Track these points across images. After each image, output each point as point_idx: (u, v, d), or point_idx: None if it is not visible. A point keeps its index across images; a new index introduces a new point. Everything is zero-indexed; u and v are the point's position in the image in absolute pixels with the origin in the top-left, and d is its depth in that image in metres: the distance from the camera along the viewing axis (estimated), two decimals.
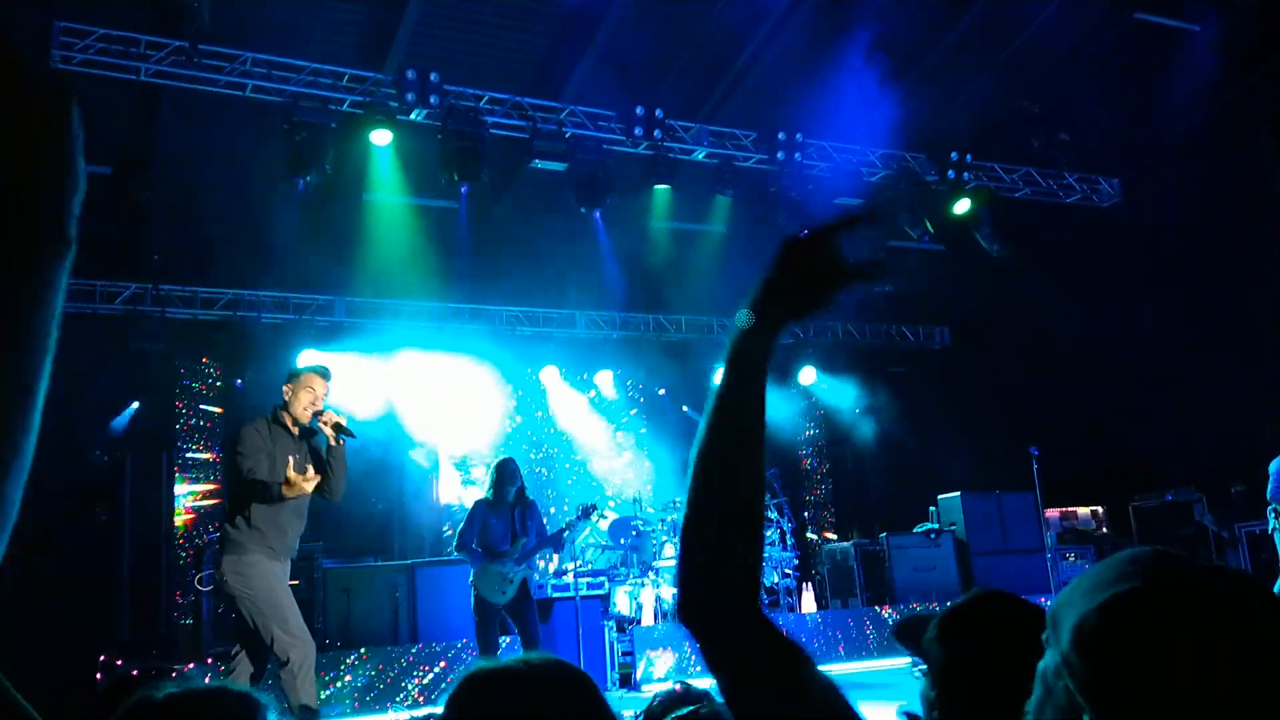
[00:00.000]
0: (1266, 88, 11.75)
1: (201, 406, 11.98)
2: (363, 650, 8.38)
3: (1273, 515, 8.31)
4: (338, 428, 5.36)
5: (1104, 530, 12.27)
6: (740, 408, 1.19)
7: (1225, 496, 11.34)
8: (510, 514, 7.34)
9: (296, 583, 8.77)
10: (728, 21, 10.62)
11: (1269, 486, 8.28)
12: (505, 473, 7.39)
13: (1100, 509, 12.35)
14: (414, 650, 8.45)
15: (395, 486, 12.31)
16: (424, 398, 12.54)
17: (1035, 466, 9.53)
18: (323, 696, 7.68)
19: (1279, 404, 11.22)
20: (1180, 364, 11.51)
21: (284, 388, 5.46)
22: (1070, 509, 12.27)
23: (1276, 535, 8.36)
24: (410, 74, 9.72)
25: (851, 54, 10.63)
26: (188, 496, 11.48)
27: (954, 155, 11.77)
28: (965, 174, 11.91)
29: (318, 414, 5.36)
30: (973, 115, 11.98)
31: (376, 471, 11.57)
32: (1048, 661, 0.93)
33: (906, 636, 1.75)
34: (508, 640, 7.82)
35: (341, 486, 5.52)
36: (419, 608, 9.40)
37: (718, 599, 1.14)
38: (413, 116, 10.06)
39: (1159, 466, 12.02)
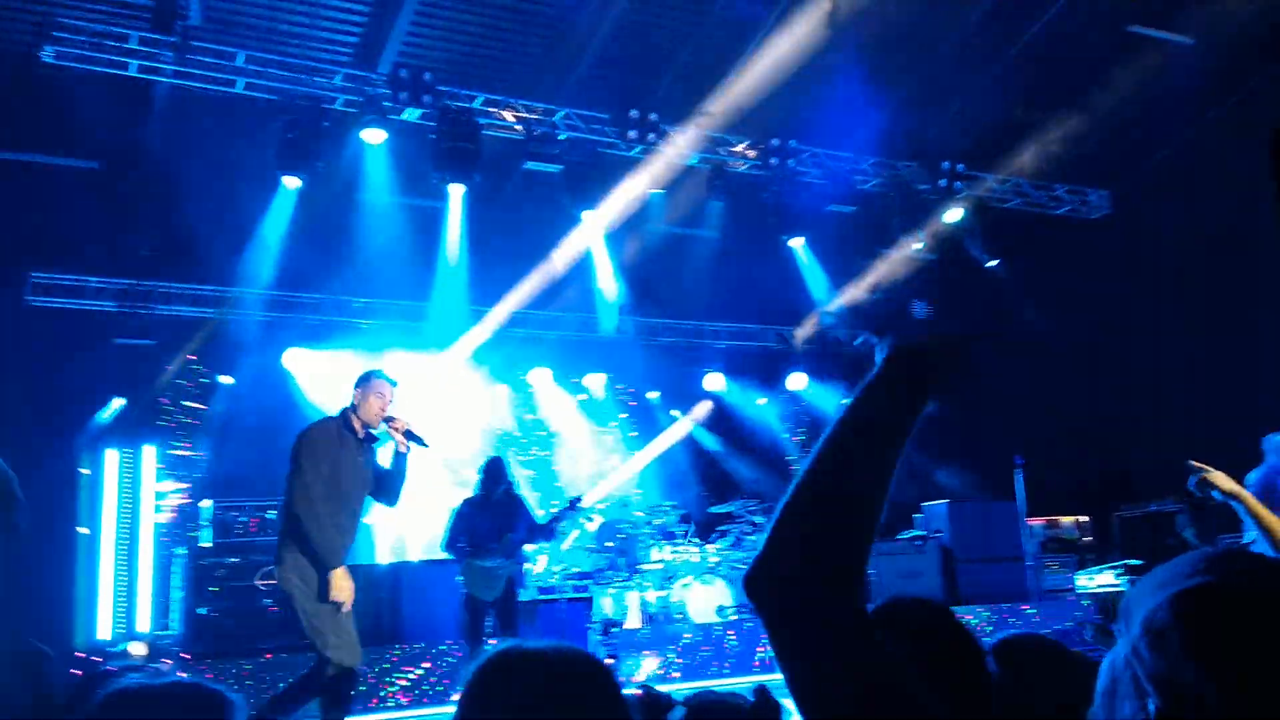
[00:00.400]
0: (1257, 102, 11.82)
1: (185, 403, 11.93)
2: None
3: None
4: (408, 434, 5.36)
5: (1088, 540, 12.31)
6: (882, 457, 1.18)
7: (1205, 508, 11.39)
8: (498, 512, 7.35)
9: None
10: (722, 28, 10.65)
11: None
12: (493, 471, 7.41)
13: (1084, 519, 12.39)
14: (396, 650, 8.42)
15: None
16: (413, 397, 12.50)
17: (1019, 476, 9.56)
18: None
19: (1263, 417, 11.27)
20: (1165, 375, 11.58)
21: (354, 391, 5.44)
22: (1054, 518, 12.30)
23: (1253, 549, 8.47)
24: (404, 74, 9.73)
25: (845, 62, 10.66)
26: (171, 495, 11.43)
27: (945, 165, 11.81)
28: (957, 183, 11.96)
29: (388, 419, 5.36)
30: (965, 125, 12.02)
31: None
32: (1117, 651, 0.94)
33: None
34: (491, 641, 7.81)
35: (401, 493, 5.60)
36: (403, 608, 9.37)
37: (823, 584, 1.10)
38: (405, 116, 10.06)
39: (1142, 477, 12.08)
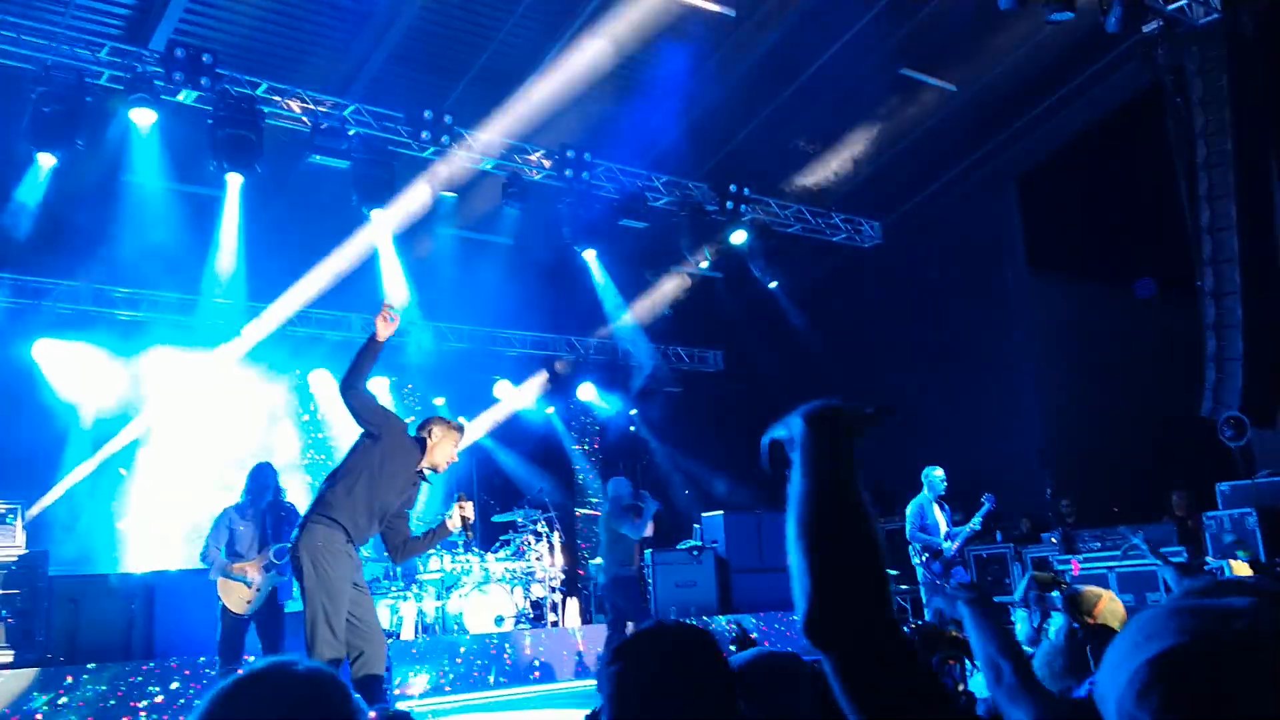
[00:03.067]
0: (1014, 146, 12.94)
1: None
2: (90, 665, 7.74)
3: (913, 552, 9.37)
4: (464, 521, 5.22)
5: None
6: (845, 503, 1.31)
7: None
8: (262, 521, 7.01)
9: (18, 592, 8.06)
10: (523, 34, 10.64)
11: (907, 527, 9.37)
12: (259, 478, 7.07)
13: None
14: (148, 666, 7.88)
15: (140, 491, 11.49)
16: (178, 395, 11.78)
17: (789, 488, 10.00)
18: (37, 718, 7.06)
19: (1010, 435, 12.33)
20: (925, 397, 12.43)
21: (432, 428, 5.16)
22: None
23: (918, 570, 9.37)
24: (180, 53, 9.18)
25: (642, 80, 10.90)
26: None
27: (733, 187, 12.25)
28: (743, 206, 12.43)
29: (457, 498, 5.27)
30: (753, 151, 12.52)
31: (117, 474, 10.78)
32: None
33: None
34: (250, 659, 7.42)
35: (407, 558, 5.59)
36: (156, 621, 8.77)
37: (851, 612, 1.21)
38: (181, 98, 9.50)
39: (908, 495, 12.91)
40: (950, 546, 9.28)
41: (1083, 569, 10.69)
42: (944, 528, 9.39)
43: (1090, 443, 11.37)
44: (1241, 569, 4.15)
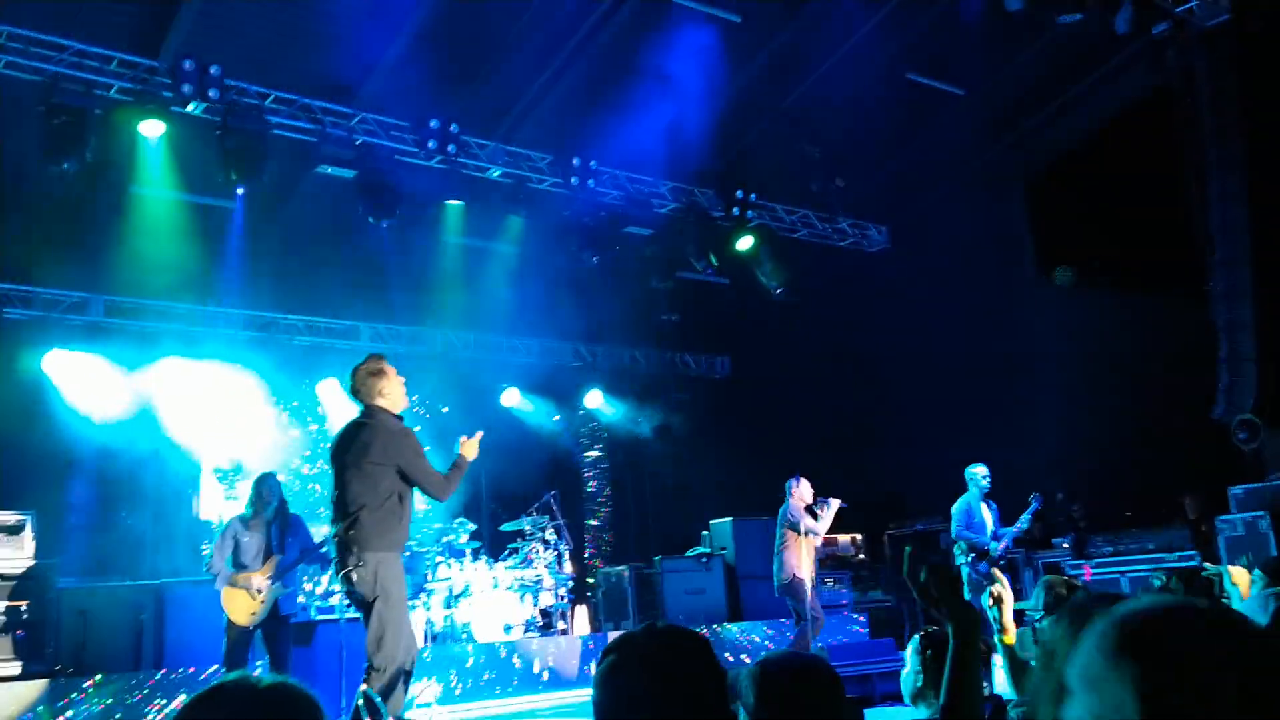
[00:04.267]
0: (1021, 149, 12.89)
1: None
2: (97, 677, 7.75)
3: (959, 551, 9.30)
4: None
5: (861, 556, 12.96)
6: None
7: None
8: (267, 532, 7.01)
9: (24, 603, 8.07)
10: (530, 42, 10.66)
11: (952, 525, 9.30)
12: (264, 489, 7.07)
13: (859, 536, 13.05)
14: (155, 677, 7.89)
15: (149, 499, 11.50)
16: (188, 404, 11.81)
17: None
18: None
19: (1019, 441, 12.25)
20: (933, 402, 12.38)
21: (379, 386, 5.24)
22: (832, 535, 12.88)
23: (963, 569, 9.29)
24: (188, 64, 9.22)
25: (647, 87, 10.90)
26: None
27: (739, 193, 12.23)
28: (749, 212, 12.40)
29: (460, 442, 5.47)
30: (758, 156, 12.51)
31: (126, 482, 10.80)
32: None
33: None
34: (260, 665, 7.42)
35: None
36: (166, 632, 8.79)
37: None
38: (189, 109, 9.53)
39: (912, 497, 12.86)
40: (997, 546, 9.19)
41: (1095, 574, 10.62)
42: (990, 526, 9.29)
43: (1102, 447, 11.29)
44: (1240, 575, 4.10)
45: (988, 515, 9.33)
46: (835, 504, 8.89)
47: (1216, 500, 9.71)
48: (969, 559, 9.25)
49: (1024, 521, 9.27)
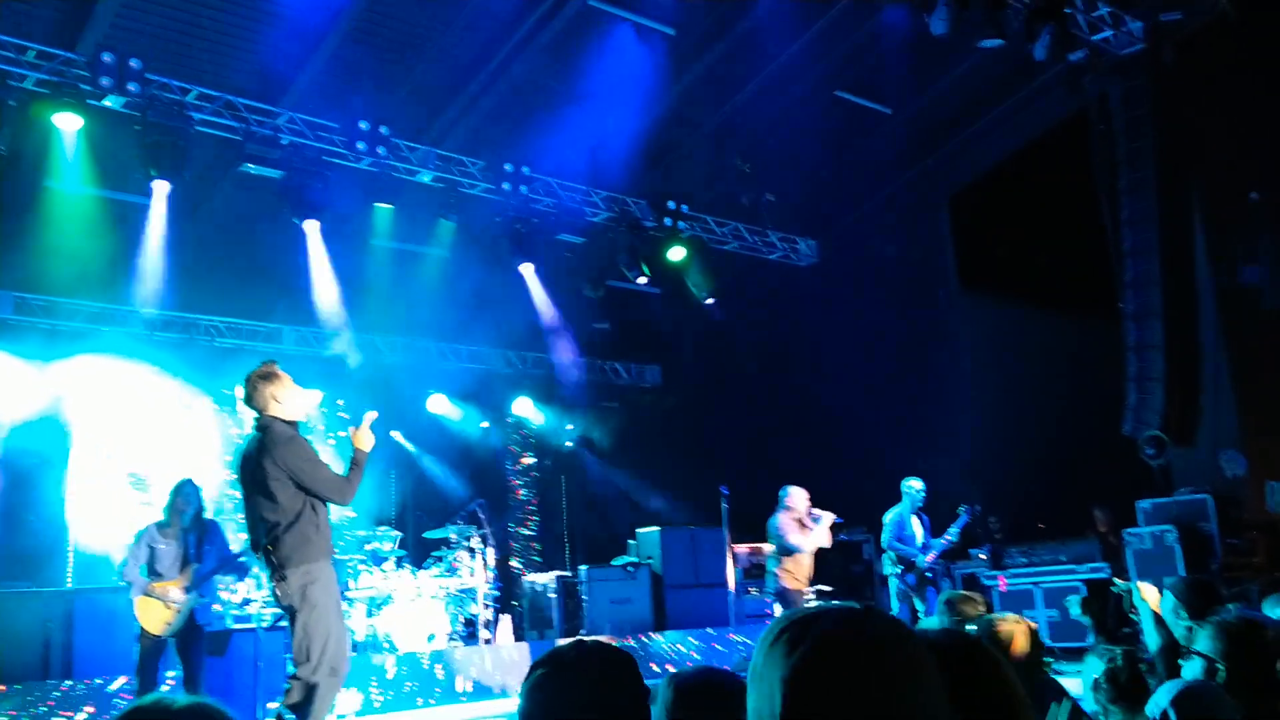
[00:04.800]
0: (946, 167, 13.20)
1: None
2: (1, 687, 7.47)
3: (888, 561, 9.51)
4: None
5: None
6: None
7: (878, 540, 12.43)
8: (184, 539, 6.84)
9: None
10: (463, 46, 10.60)
11: (883, 535, 9.50)
12: (181, 495, 6.89)
13: None
14: (62, 686, 7.63)
15: (59, 503, 11.13)
16: (100, 407, 11.47)
17: (724, 505, 10.05)
18: None
19: (942, 450, 12.52)
20: (859, 413, 12.58)
21: (272, 393, 4.94)
22: (758, 545, 13.00)
23: (891, 580, 9.50)
24: (107, 57, 8.97)
25: (581, 95, 10.91)
26: None
27: (671, 204, 12.31)
28: (681, 223, 12.49)
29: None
30: (691, 168, 12.61)
31: (35, 485, 10.45)
32: None
33: None
34: (171, 677, 7.23)
35: None
36: (76, 640, 8.52)
37: None
38: (107, 103, 9.28)
39: (836, 508, 13.02)
40: (924, 558, 9.38)
41: (1010, 584, 10.90)
42: (920, 539, 9.48)
43: (1017, 460, 11.59)
44: (1149, 591, 4.25)
45: (918, 528, 9.55)
46: (828, 519, 8.74)
47: (1126, 514, 10.04)
48: (898, 570, 9.45)
49: (953, 534, 9.50)
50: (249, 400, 5.00)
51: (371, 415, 5.13)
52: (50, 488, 10.95)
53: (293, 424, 5.01)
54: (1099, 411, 10.95)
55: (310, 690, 4.65)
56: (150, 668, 6.64)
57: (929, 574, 9.44)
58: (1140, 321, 10.81)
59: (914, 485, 9.57)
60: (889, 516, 9.59)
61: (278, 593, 4.80)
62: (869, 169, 12.83)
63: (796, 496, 8.77)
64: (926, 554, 9.39)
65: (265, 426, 4.92)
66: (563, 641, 1.77)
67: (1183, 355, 10.66)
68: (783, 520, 8.69)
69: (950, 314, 13.14)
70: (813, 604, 3.57)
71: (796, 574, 8.68)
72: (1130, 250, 10.89)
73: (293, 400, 5.02)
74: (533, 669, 1.78)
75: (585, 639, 1.84)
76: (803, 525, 8.71)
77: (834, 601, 1.23)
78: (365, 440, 5.09)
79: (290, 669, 4.80)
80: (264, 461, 4.79)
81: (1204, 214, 10.74)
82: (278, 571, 4.77)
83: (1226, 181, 10.51)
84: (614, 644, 1.88)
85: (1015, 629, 3.45)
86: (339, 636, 4.83)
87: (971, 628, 3.55)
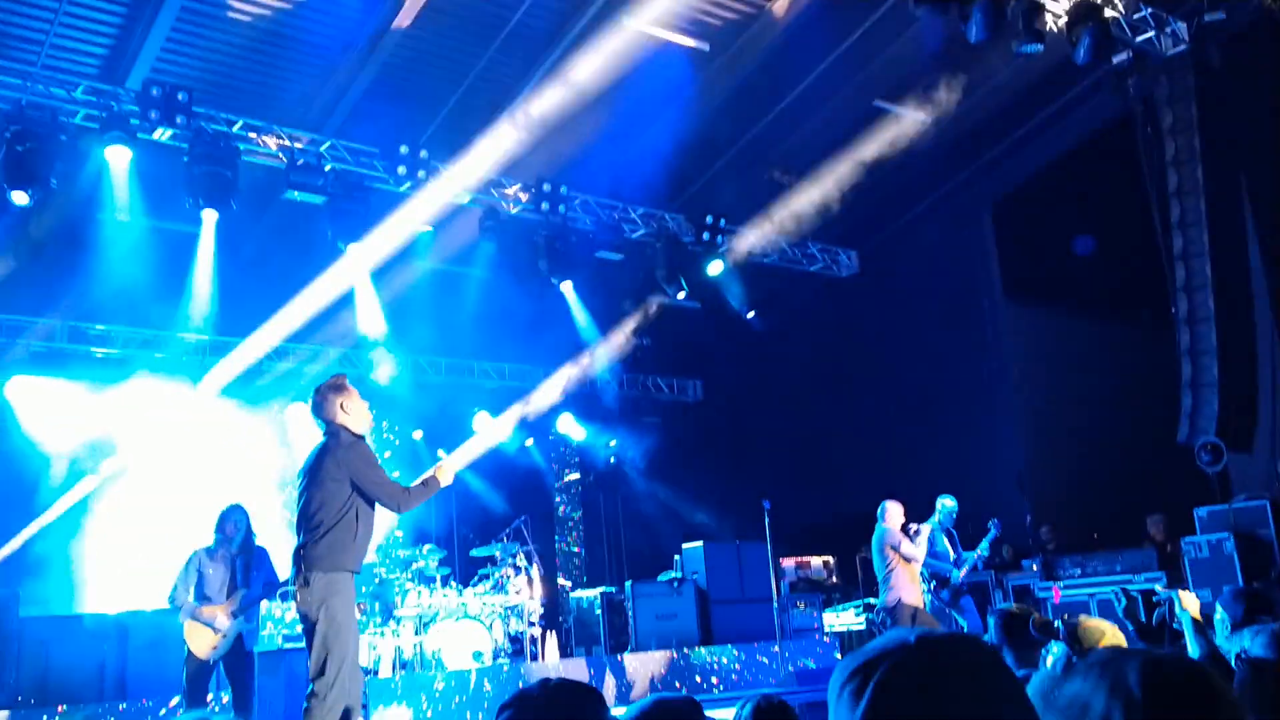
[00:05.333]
0: (987, 175, 13.05)
1: None
2: (62, 708, 7.63)
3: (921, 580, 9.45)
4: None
5: (834, 580, 12.99)
6: None
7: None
8: (232, 564, 6.93)
9: None
10: (498, 70, 10.71)
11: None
12: (229, 521, 6.99)
13: (830, 559, 13.08)
14: (120, 708, 7.78)
15: (115, 527, 11.38)
16: (154, 432, 11.71)
17: (767, 519, 10.00)
18: None
19: (986, 462, 12.34)
20: (903, 426, 12.45)
21: (341, 403, 5.16)
22: (805, 559, 12.92)
23: (926, 597, 9.42)
24: (155, 91, 9.20)
25: (618, 113, 10.96)
26: None
27: (709, 218, 12.30)
28: (719, 237, 12.47)
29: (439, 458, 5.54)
30: (729, 181, 12.59)
31: (92, 508, 10.69)
32: None
33: None
34: (225, 698, 7.34)
35: None
36: (129, 662, 8.68)
37: None
38: (156, 136, 9.50)
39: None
40: (958, 574, 9.28)
41: (1064, 596, 10.70)
42: (952, 555, 9.40)
43: (1069, 469, 11.40)
44: (1190, 599, 4.17)
45: (948, 545, 9.45)
46: (926, 529, 8.74)
47: (1182, 522, 9.82)
48: (930, 585, 9.35)
49: (984, 548, 9.39)
50: (318, 409, 5.20)
51: (451, 464, 5.42)
52: (105, 511, 11.20)
53: (359, 436, 5.21)
54: (1153, 419, 10.73)
55: (328, 706, 4.70)
56: (198, 690, 6.74)
57: (964, 588, 9.37)
58: (1193, 326, 10.58)
59: (947, 504, 9.50)
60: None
61: (298, 598, 4.88)
62: (909, 177, 12.72)
63: (894, 511, 8.73)
64: (960, 568, 9.29)
65: (333, 433, 5.11)
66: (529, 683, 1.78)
67: (1238, 360, 10.42)
68: (891, 530, 8.62)
69: (995, 323, 12.97)
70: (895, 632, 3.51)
71: (912, 585, 8.60)
72: (1181, 254, 10.67)
73: (359, 412, 5.23)
74: (501, 710, 1.76)
75: (550, 678, 1.83)
76: (909, 534, 8.67)
77: (903, 629, 1.20)
78: (448, 475, 5.35)
79: (310, 686, 4.83)
80: (326, 461, 4.98)
81: (1256, 214, 10.51)
82: (303, 575, 4.85)
83: (1277, 181, 10.28)
84: (579, 681, 1.87)
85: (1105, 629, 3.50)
86: (354, 659, 4.90)
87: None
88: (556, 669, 10.16)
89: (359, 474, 4.97)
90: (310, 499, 4.98)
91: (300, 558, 4.90)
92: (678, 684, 9.80)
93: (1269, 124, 10.21)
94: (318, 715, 4.68)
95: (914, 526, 8.80)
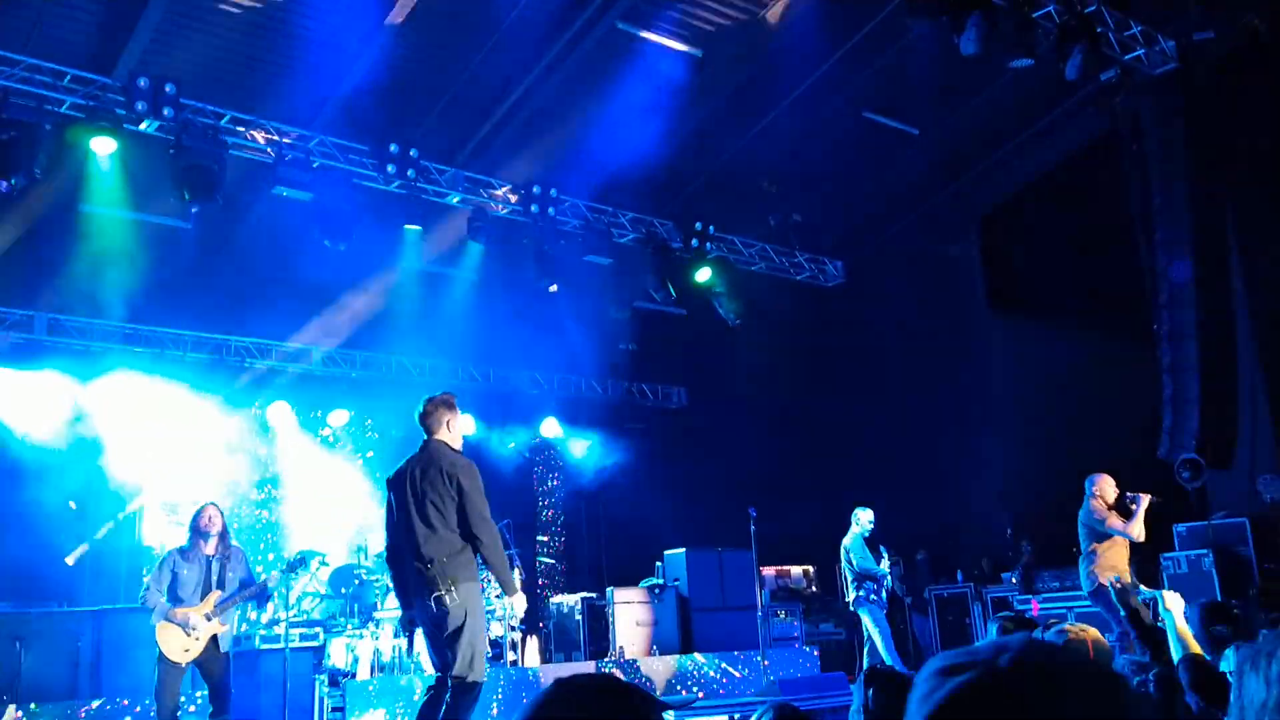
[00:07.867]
0: (975, 188, 13.12)
1: None
2: (32, 706, 7.51)
3: (855, 587, 9.70)
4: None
5: (813, 589, 12.98)
6: None
7: (911, 562, 12.31)
8: (206, 565, 6.81)
9: None
10: (491, 69, 10.67)
11: (855, 560, 9.65)
12: (204, 519, 6.88)
13: (810, 568, 13.07)
14: (91, 706, 7.67)
15: (90, 524, 11.21)
16: (132, 427, 11.57)
17: (752, 526, 9.98)
18: None
19: (975, 473, 12.38)
20: (886, 436, 12.47)
21: (447, 421, 5.47)
22: (785, 568, 12.91)
23: (867, 607, 9.60)
24: (143, 82, 9.09)
25: (609, 117, 10.95)
26: None
27: (698, 225, 12.29)
28: (707, 244, 12.47)
29: None
30: (718, 189, 12.59)
31: (64, 506, 10.54)
32: None
33: None
34: (200, 696, 7.23)
35: None
36: (103, 660, 8.57)
37: None
38: (143, 127, 9.40)
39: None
40: (885, 571, 9.76)
41: (1042, 608, 10.74)
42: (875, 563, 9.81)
43: (1049, 483, 11.42)
44: (1174, 600, 4.24)
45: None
46: (1146, 500, 7.73)
47: (1161, 538, 9.87)
48: (865, 592, 9.66)
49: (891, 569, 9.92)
50: (424, 419, 5.50)
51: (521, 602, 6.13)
52: (80, 511, 11.03)
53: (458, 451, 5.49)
54: (1133, 434, 10.79)
55: (476, 688, 5.11)
56: (169, 692, 6.51)
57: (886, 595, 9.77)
58: (1175, 343, 10.66)
59: (865, 516, 9.88)
60: (852, 542, 9.73)
61: (444, 603, 5.09)
62: (897, 189, 12.78)
63: (1103, 483, 7.84)
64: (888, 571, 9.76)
65: (438, 447, 5.38)
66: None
67: (1219, 377, 10.50)
68: (1095, 508, 7.76)
69: (979, 336, 13.03)
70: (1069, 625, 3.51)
71: (1119, 567, 7.67)
72: (1164, 271, 10.76)
73: (459, 431, 5.55)
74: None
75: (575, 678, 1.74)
76: (1125, 509, 7.76)
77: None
78: (520, 605, 6.17)
79: (450, 673, 5.12)
80: (437, 478, 5.20)
81: (1238, 234, 10.60)
82: (443, 583, 5.09)
83: (1260, 201, 10.38)
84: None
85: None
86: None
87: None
88: (538, 674, 10.10)
89: (468, 499, 5.21)
90: (431, 517, 5.19)
91: (435, 575, 5.12)
92: (656, 691, 9.75)
93: (1254, 144, 10.31)
94: (471, 696, 5.09)
95: (1131, 494, 7.92)
